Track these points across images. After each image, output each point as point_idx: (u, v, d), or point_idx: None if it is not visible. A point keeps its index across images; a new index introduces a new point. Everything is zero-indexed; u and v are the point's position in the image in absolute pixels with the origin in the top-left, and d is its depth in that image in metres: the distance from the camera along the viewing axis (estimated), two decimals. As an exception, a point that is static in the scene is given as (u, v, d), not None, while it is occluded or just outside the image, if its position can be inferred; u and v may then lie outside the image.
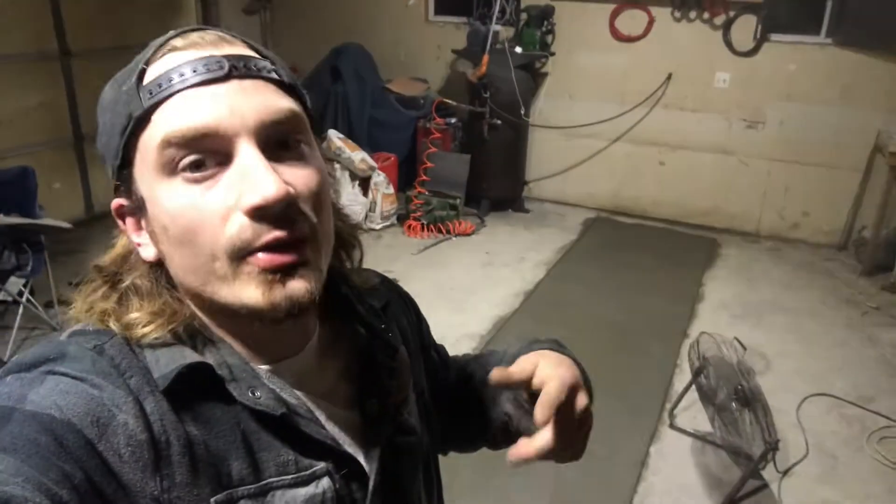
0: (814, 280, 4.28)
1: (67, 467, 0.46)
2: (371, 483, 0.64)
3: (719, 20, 4.70)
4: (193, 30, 0.57)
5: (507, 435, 0.80)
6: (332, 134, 4.81)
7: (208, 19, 5.31)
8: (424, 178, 4.89)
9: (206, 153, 0.52)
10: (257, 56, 0.57)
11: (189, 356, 0.55)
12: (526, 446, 0.62)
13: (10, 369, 0.53)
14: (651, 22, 4.89)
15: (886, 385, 3.13)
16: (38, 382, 0.51)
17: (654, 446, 2.70)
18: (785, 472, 2.55)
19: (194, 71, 0.53)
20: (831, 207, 4.76)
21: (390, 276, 0.88)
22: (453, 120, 5.25)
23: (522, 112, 4.90)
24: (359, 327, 0.71)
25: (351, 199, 4.71)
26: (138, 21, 4.58)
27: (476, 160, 5.05)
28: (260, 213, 0.52)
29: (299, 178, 0.55)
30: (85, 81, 4.37)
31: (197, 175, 0.52)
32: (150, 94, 0.53)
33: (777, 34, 4.61)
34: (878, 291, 4.10)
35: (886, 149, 4.20)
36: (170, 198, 0.53)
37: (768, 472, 2.48)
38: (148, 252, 0.58)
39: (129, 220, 0.59)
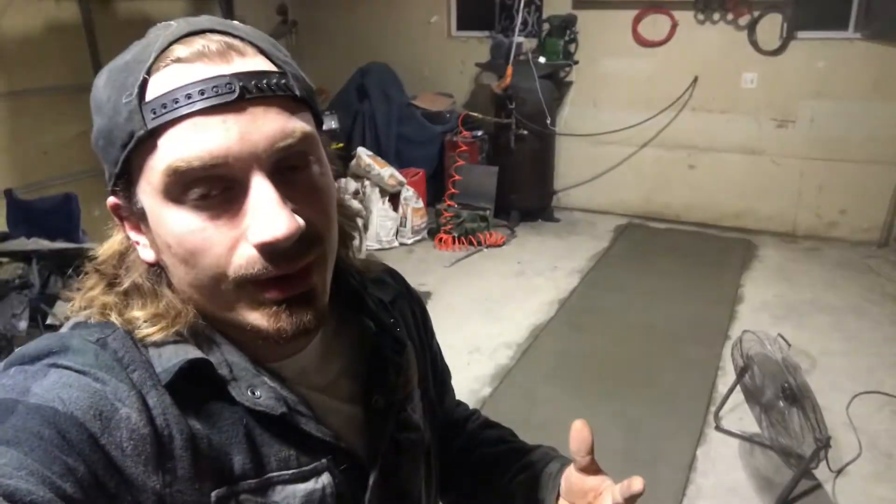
0: (856, 278, 4.19)
1: (70, 461, 0.46)
2: (371, 478, 0.64)
3: (744, 20, 4.67)
4: (197, 32, 0.52)
5: None
6: (362, 151, 4.87)
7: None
8: (453, 191, 4.92)
9: (213, 180, 0.50)
10: (269, 70, 0.53)
11: (191, 352, 0.55)
12: None
13: (13, 361, 0.52)
14: (674, 26, 4.89)
15: (939, 381, 3.04)
16: (41, 375, 0.50)
17: (701, 449, 2.65)
18: (839, 472, 2.48)
19: (202, 93, 0.49)
20: (869, 204, 4.66)
21: (423, 289, 0.87)
22: (480, 132, 5.28)
23: (548, 122, 4.91)
24: (367, 321, 0.70)
25: (382, 215, 4.76)
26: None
27: (504, 171, 5.07)
28: (270, 249, 0.51)
29: (310, 203, 0.54)
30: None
31: (204, 203, 0.51)
32: (154, 113, 0.50)
33: (804, 31, 4.56)
34: (924, 287, 4.00)
35: (924, 141, 4.11)
36: (175, 222, 0.51)
37: (821, 472, 2.42)
38: (147, 254, 0.57)
39: (127, 221, 0.57)
